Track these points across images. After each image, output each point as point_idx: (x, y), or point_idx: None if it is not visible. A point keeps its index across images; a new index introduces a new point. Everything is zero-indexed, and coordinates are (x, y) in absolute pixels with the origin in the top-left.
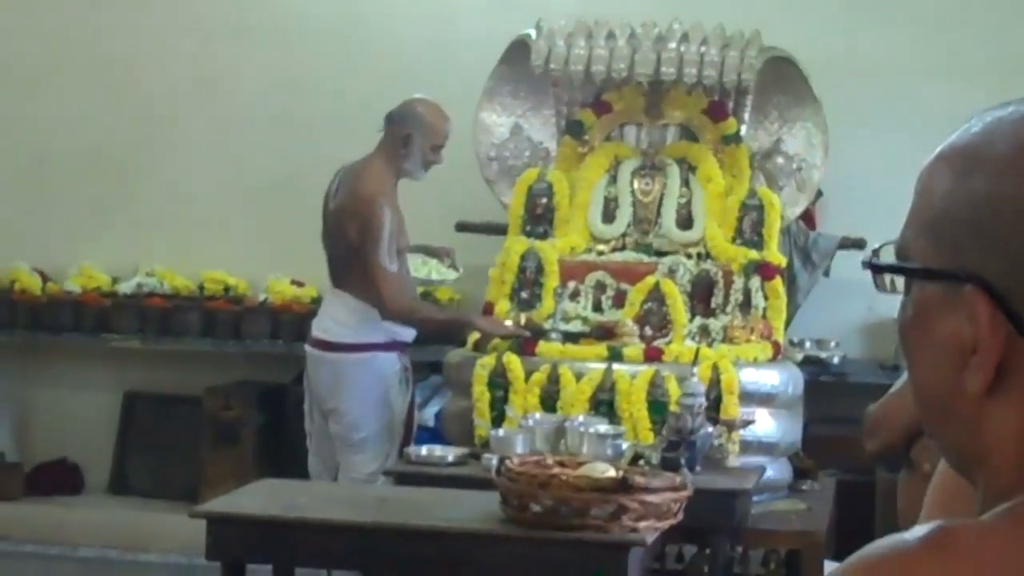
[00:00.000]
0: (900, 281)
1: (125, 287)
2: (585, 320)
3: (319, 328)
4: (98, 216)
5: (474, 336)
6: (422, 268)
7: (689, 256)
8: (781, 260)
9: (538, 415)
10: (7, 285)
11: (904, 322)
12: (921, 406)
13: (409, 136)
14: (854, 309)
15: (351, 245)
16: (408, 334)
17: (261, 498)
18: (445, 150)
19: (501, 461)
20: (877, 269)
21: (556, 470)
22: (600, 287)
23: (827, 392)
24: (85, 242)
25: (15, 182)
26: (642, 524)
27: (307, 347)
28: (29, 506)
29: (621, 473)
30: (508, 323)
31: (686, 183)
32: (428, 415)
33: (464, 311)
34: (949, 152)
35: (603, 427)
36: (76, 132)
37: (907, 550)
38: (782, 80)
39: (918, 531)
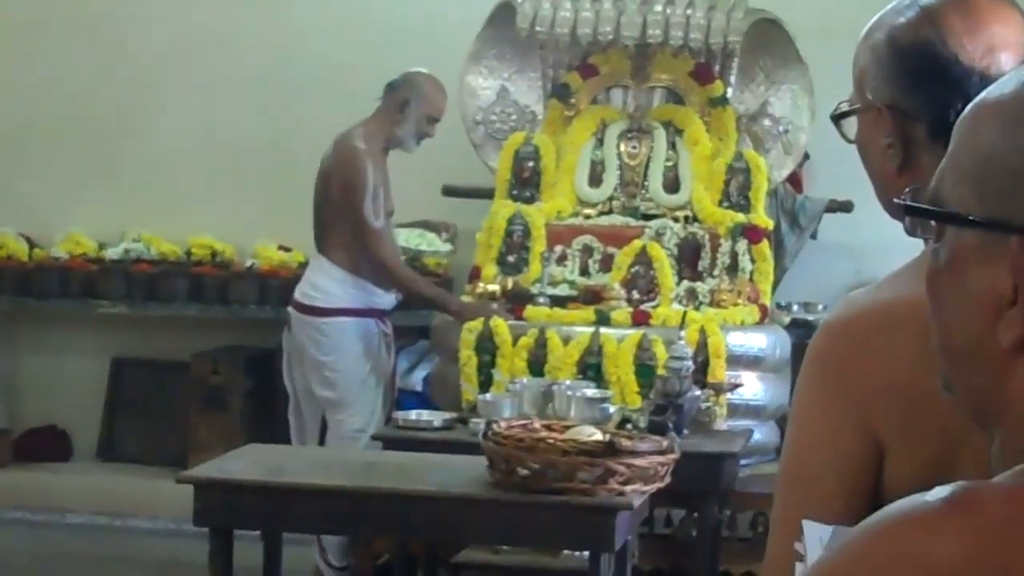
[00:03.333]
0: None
1: (112, 253)
2: (572, 284)
3: (300, 291)
4: (85, 181)
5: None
6: (416, 239)
7: (676, 219)
8: (768, 223)
9: (525, 379)
10: None
11: (935, 269)
12: (945, 354)
13: (407, 101)
14: (841, 272)
15: (334, 203)
16: (386, 301)
17: (249, 463)
18: (439, 124)
19: (488, 425)
20: (916, 213)
21: (543, 434)
22: (587, 251)
23: None
24: (72, 208)
25: (1, 146)
26: (629, 488)
27: (290, 308)
28: (17, 472)
29: (608, 436)
30: (493, 305)
31: (672, 146)
32: (415, 380)
33: (445, 294)
34: (996, 101)
35: (590, 391)
36: (62, 96)
37: (930, 510)
38: (768, 42)
39: (940, 492)
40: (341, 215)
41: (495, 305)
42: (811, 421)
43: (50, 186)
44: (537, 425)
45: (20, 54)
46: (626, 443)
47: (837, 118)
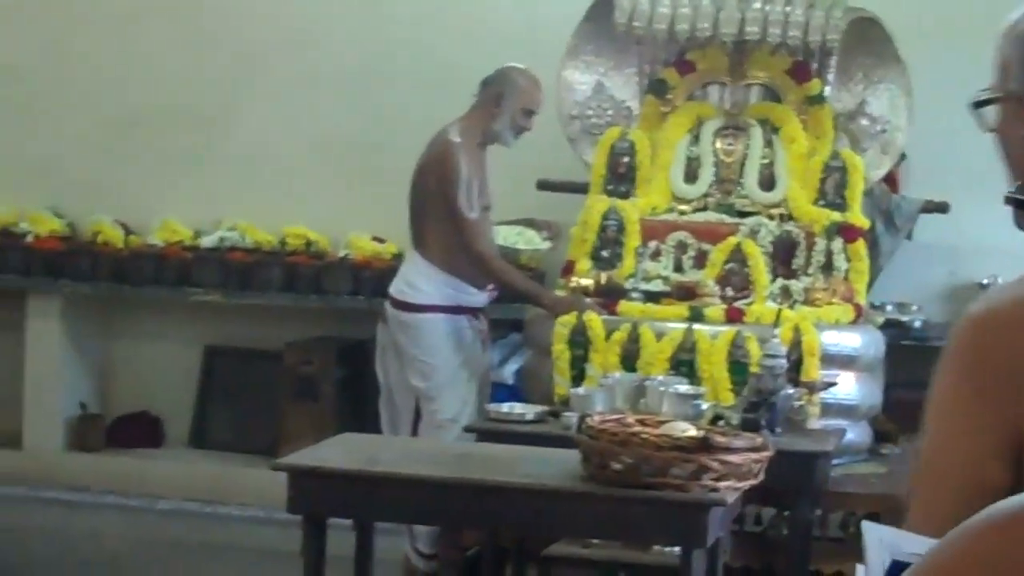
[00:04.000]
0: None
1: (207, 241)
2: (666, 280)
3: (395, 287)
4: (181, 170)
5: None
6: (514, 237)
7: (771, 217)
8: (865, 222)
9: (618, 374)
10: (90, 237)
11: None
12: None
13: (501, 95)
14: (936, 273)
15: (429, 198)
16: (479, 299)
17: (343, 452)
18: (535, 119)
19: (581, 419)
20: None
21: (637, 428)
22: (681, 247)
23: (908, 356)
24: (168, 195)
25: (100, 135)
26: (722, 484)
27: (385, 303)
28: (110, 458)
29: (702, 432)
30: (586, 300)
31: (769, 144)
32: (507, 372)
33: (539, 288)
34: None
35: (683, 387)
36: (161, 85)
37: None
38: (867, 41)
39: None
40: (436, 210)
41: (588, 300)
42: (951, 413)
43: (147, 174)
44: (631, 420)
45: (120, 44)
46: (720, 439)
47: (977, 105)
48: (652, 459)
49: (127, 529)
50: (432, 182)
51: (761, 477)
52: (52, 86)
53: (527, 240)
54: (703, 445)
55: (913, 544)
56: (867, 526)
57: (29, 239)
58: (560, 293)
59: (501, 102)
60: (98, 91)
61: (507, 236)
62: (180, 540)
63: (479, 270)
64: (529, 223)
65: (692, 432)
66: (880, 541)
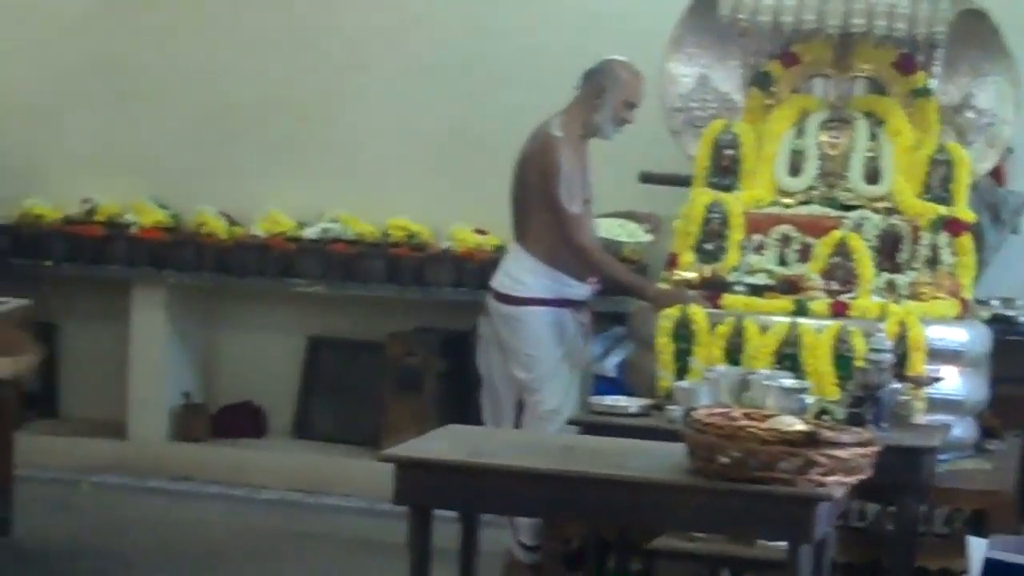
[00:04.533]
0: None
1: (310, 232)
2: (770, 273)
3: (497, 280)
4: (284, 161)
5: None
6: (616, 230)
7: (876, 211)
8: (971, 216)
9: (722, 367)
10: (194, 228)
11: None
12: None
13: (603, 88)
14: None
15: (531, 191)
16: (581, 292)
17: (449, 444)
18: (637, 111)
19: (687, 412)
20: None
21: (743, 422)
22: (785, 240)
23: (1014, 351)
24: (271, 187)
25: (204, 127)
26: (830, 479)
27: (488, 296)
28: (214, 448)
29: (810, 427)
30: (690, 292)
31: (874, 137)
32: (609, 365)
33: (642, 280)
34: None
35: (788, 381)
36: (265, 76)
37: None
38: (974, 34)
39: None
40: (537, 203)
41: (692, 292)
42: None
43: (250, 165)
44: (737, 413)
45: (224, 35)
46: (828, 434)
47: None
48: (759, 453)
49: (230, 518)
50: (533, 176)
51: (869, 472)
52: (156, 77)
53: (629, 233)
54: (811, 439)
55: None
56: (971, 541)
57: (134, 230)
58: (663, 286)
59: (603, 95)
60: (202, 82)
61: (609, 228)
62: (282, 530)
63: (582, 263)
64: (630, 216)
65: (799, 426)
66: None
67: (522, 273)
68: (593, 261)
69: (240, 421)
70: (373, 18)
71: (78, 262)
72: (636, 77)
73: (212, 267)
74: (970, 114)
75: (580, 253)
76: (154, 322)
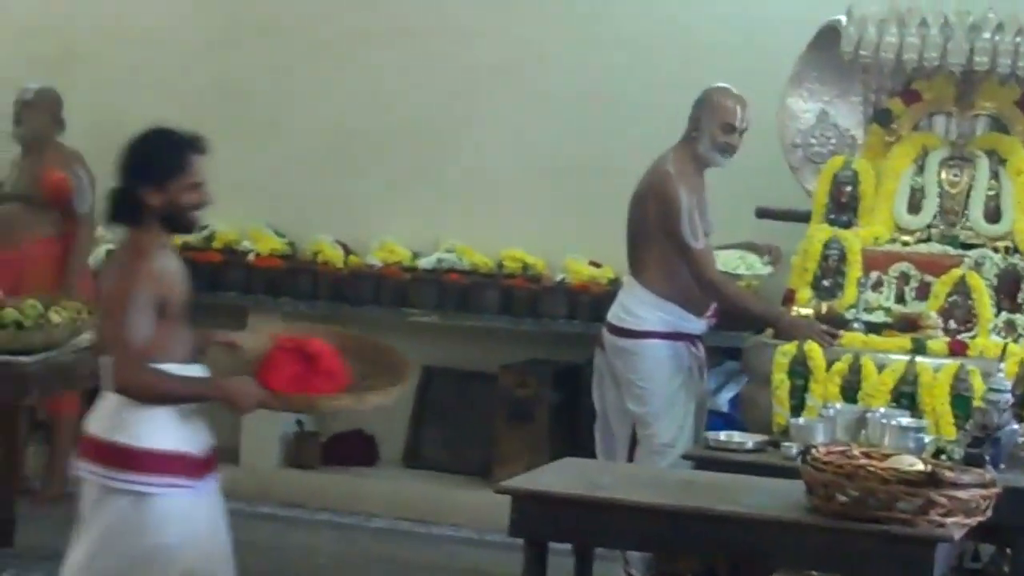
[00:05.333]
0: None
1: (425, 262)
2: (888, 311)
3: (613, 313)
4: (401, 191)
5: None
6: (734, 262)
7: (996, 250)
8: None
9: (839, 405)
10: (311, 257)
11: None
12: None
13: (699, 117)
14: None
15: (649, 228)
16: (697, 326)
17: (563, 477)
18: (744, 135)
19: (806, 450)
20: None
21: (863, 461)
22: (904, 278)
23: None
24: (388, 216)
25: (322, 155)
26: (949, 520)
27: (604, 329)
28: (325, 476)
29: (930, 467)
30: (820, 326)
31: (995, 175)
32: (722, 400)
33: (776, 309)
34: None
35: (905, 420)
36: (384, 106)
37: None
38: None
39: None
40: (656, 240)
41: (821, 326)
42: None
43: (368, 194)
44: (856, 452)
45: (343, 64)
46: (949, 474)
47: None
48: (879, 492)
49: (341, 546)
50: (651, 212)
51: (989, 514)
52: (276, 106)
53: (748, 265)
54: (931, 480)
55: None
56: None
57: (251, 257)
58: (795, 316)
59: (700, 124)
60: (321, 111)
61: (727, 261)
62: (393, 558)
63: (712, 298)
64: (750, 247)
65: (919, 466)
66: None
67: (638, 307)
68: (725, 295)
69: (351, 449)
70: (494, 49)
71: (195, 288)
72: (730, 99)
73: (327, 295)
74: None
75: (710, 288)
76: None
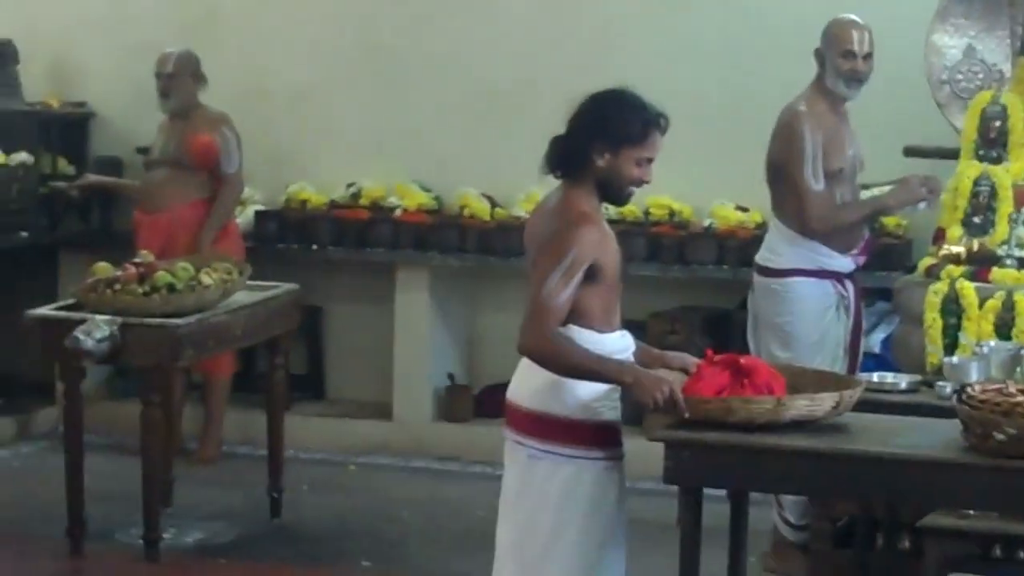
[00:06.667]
0: None
1: None
2: None
3: (760, 254)
4: (544, 142)
5: (926, 262)
6: None
7: None
8: None
9: (993, 342)
10: (457, 211)
11: None
12: None
13: (821, 51)
14: None
15: (777, 166)
16: (842, 263)
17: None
18: (870, 60)
19: (960, 389)
20: None
21: (1020, 398)
22: None
23: None
24: (532, 168)
25: (465, 110)
26: None
27: (753, 270)
28: (478, 428)
29: None
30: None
31: None
32: (874, 342)
33: (874, 199)
34: None
35: None
36: (525, 58)
37: None
38: None
39: None
40: (783, 176)
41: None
42: None
43: (512, 147)
44: (1013, 389)
45: (486, 18)
46: None
47: None
48: None
49: (494, 498)
50: (778, 152)
51: None
52: (419, 61)
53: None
54: None
55: None
56: None
57: (397, 213)
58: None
59: (823, 58)
60: (463, 65)
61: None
62: None
63: (823, 239)
64: (903, 182)
65: None
66: None
67: (780, 245)
68: (841, 227)
69: (504, 401)
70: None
71: (343, 245)
72: (845, 25)
73: (475, 249)
74: None
75: (821, 230)
76: (418, 304)
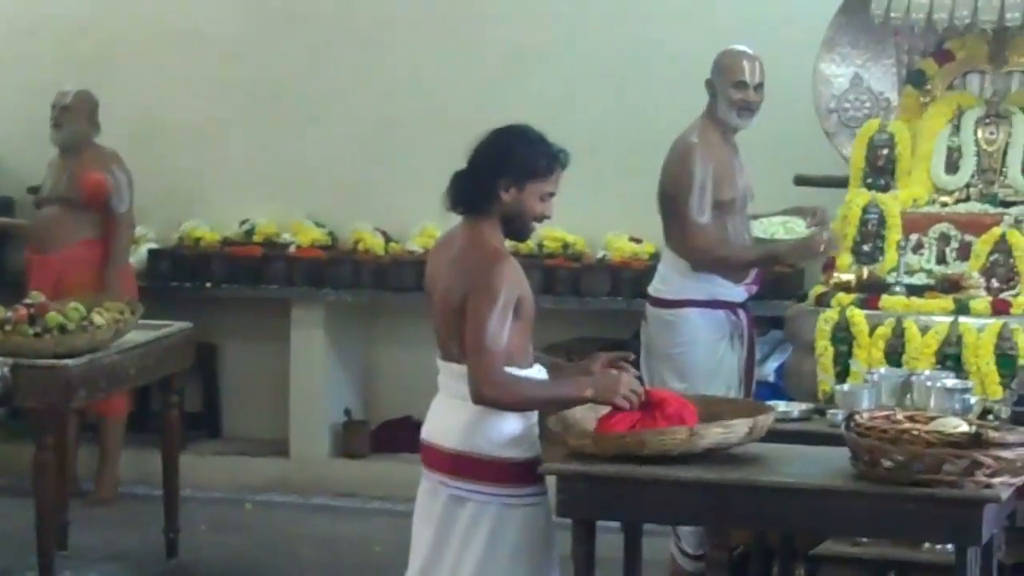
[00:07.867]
0: None
1: None
2: (929, 273)
3: (652, 285)
4: (438, 176)
5: (817, 290)
6: (774, 228)
7: None
8: None
9: (883, 369)
10: (351, 245)
11: None
12: None
13: (711, 83)
14: None
15: (668, 197)
16: (735, 293)
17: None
18: (761, 91)
19: (849, 416)
20: None
21: (907, 425)
22: (944, 239)
23: None
24: (427, 202)
25: (358, 145)
26: (997, 480)
27: (646, 302)
28: (376, 463)
29: (974, 428)
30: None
31: None
32: (768, 370)
33: (769, 247)
34: None
35: (951, 381)
36: (420, 92)
37: None
38: None
39: None
40: (673, 208)
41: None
42: None
43: (406, 181)
44: (900, 416)
45: (380, 52)
46: (993, 435)
47: None
48: (923, 456)
49: (394, 534)
50: (669, 184)
51: None
52: (312, 97)
53: (788, 231)
54: (976, 441)
55: None
56: None
57: (292, 249)
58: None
59: (713, 89)
60: (357, 100)
61: (767, 228)
62: None
63: (711, 270)
64: (796, 211)
65: (964, 428)
66: None
67: (672, 275)
68: (727, 264)
69: (401, 436)
70: (525, 33)
71: (238, 282)
72: (735, 56)
73: (370, 284)
74: None
75: (705, 265)
76: (313, 340)
